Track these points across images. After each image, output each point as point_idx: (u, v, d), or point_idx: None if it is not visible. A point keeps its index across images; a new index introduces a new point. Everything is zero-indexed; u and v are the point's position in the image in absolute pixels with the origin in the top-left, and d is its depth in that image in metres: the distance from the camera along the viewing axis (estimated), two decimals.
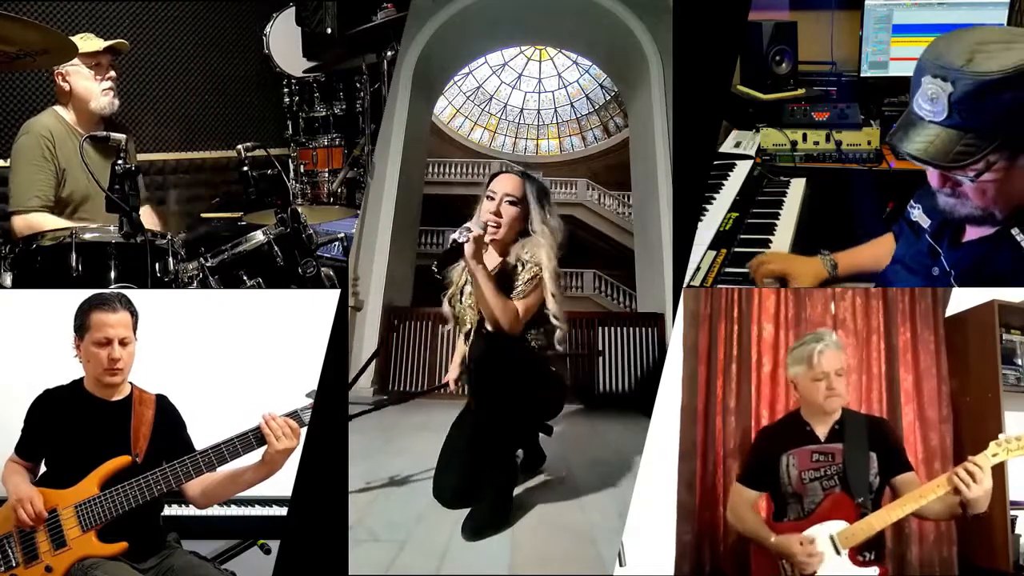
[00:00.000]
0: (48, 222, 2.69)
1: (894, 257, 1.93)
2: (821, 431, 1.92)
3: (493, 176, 2.49)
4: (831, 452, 1.88)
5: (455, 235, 2.18)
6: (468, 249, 2.17)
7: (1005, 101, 1.39)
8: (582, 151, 15.71)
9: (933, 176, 1.57)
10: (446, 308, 2.56)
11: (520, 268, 2.36)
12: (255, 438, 1.77)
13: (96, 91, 2.87)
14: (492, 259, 2.40)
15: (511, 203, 2.41)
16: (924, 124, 1.49)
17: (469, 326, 2.47)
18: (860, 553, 1.79)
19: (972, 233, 1.67)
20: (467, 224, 2.25)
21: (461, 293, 2.50)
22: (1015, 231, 1.52)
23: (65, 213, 2.83)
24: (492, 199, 2.42)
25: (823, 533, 1.80)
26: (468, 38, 5.66)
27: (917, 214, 1.78)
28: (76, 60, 2.78)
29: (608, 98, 15.77)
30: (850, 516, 1.80)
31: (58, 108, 2.91)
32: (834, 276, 2.11)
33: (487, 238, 2.33)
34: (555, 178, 13.12)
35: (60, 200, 2.83)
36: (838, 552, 1.78)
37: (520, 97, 16.79)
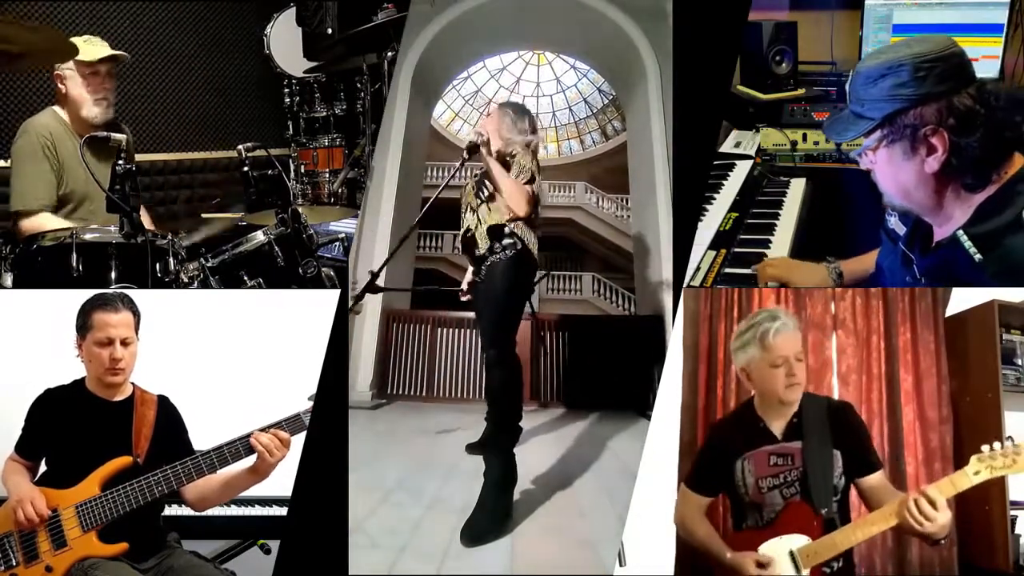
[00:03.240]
0: (50, 223, 2.69)
1: (876, 263, 1.91)
2: (777, 427, 1.76)
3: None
4: (789, 453, 1.73)
5: (472, 138, 2.79)
6: (484, 149, 2.73)
7: (875, 91, 1.57)
8: (580, 154, 15.70)
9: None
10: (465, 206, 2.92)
11: (510, 160, 2.73)
12: None
13: (88, 99, 2.85)
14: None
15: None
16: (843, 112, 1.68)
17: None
18: (826, 565, 1.66)
19: (937, 236, 1.67)
20: (478, 129, 2.84)
21: (467, 208, 2.82)
22: (960, 233, 1.53)
23: (64, 212, 2.82)
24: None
25: (783, 548, 1.66)
26: (466, 42, 5.66)
27: (894, 222, 1.77)
28: (72, 65, 2.78)
29: (606, 102, 15.77)
30: (812, 527, 1.67)
31: (56, 108, 2.90)
32: (838, 285, 2.08)
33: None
34: (553, 181, 13.10)
35: (59, 199, 2.82)
36: (798, 570, 1.64)
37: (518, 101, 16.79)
